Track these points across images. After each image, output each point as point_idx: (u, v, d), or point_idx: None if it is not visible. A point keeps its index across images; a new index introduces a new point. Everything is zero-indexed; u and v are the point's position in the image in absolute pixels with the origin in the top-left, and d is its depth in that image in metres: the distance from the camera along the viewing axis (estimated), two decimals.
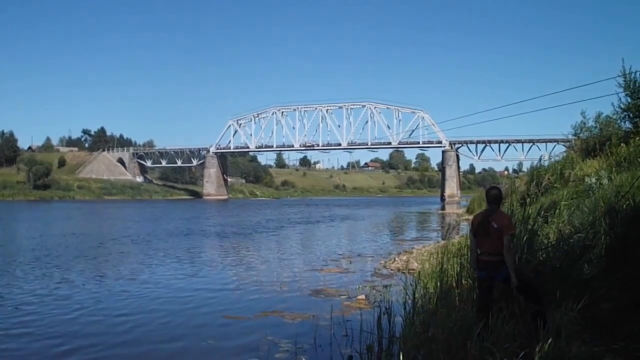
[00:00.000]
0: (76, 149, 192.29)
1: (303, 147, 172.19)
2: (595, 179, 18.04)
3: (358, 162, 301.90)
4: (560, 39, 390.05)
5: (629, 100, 21.87)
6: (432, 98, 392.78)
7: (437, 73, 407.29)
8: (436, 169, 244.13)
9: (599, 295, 8.45)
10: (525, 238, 10.41)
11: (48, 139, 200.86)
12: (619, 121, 23.99)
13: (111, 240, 34.32)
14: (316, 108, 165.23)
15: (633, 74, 21.42)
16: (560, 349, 6.80)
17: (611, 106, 23.46)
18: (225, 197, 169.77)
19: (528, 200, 21.46)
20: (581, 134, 28.56)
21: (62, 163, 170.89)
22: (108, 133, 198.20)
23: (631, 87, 21.49)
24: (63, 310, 15.16)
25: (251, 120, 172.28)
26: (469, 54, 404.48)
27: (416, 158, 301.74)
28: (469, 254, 9.83)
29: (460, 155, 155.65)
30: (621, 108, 22.34)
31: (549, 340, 6.84)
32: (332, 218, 64.45)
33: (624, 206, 11.73)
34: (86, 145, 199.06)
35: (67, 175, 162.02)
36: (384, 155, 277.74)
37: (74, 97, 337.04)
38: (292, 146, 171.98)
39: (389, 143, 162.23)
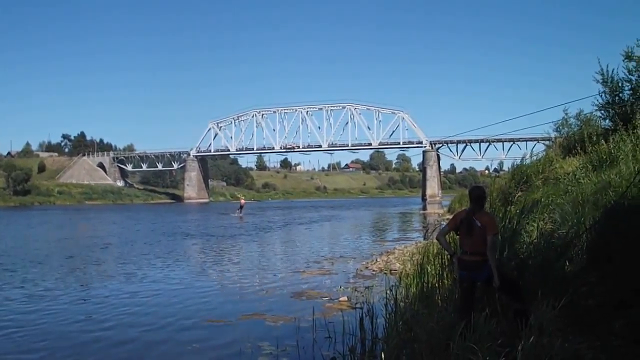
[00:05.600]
0: (56, 154, 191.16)
1: (283, 149, 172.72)
2: (576, 177, 18.10)
3: (339, 164, 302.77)
4: (544, 34, 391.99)
5: (608, 97, 21.98)
6: (413, 98, 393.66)
7: (417, 72, 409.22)
8: (417, 169, 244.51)
9: (581, 293, 8.46)
10: (507, 237, 10.42)
11: (27, 144, 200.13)
12: (598, 119, 24.13)
13: (92, 246, 33.99)
14: (296, 110, 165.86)
15: (611, 72, 21.56)
16: (542, 346, 6.80)
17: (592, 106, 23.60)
18: (207, 200, 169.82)
19: (509, 199, 21.55)
20: (562, 131, 28.70)
21: (42, 168, 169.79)
22: (88, 137, 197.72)
23: (609, 84, 21.62)
24: (42, 316, 15.01)
25: (231, 122, 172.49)
26: (449, 53, 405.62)
27: (397, 158, 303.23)
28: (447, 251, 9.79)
29: (441, 155, 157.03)
30: (601, 105, 22.44)
31: (531, 338, 6.84)
32: (314, 220, 64.35)
33: (605, 203, 11.77)
34: (66, 150, 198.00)
35: (47, 181, 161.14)
36: (364, 156, 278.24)
37: (53, 101, 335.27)
38: (273, 148, 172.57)
39: (370, 144, 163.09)
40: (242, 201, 74.35)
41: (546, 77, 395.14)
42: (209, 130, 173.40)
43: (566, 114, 28.13)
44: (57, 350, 11.78)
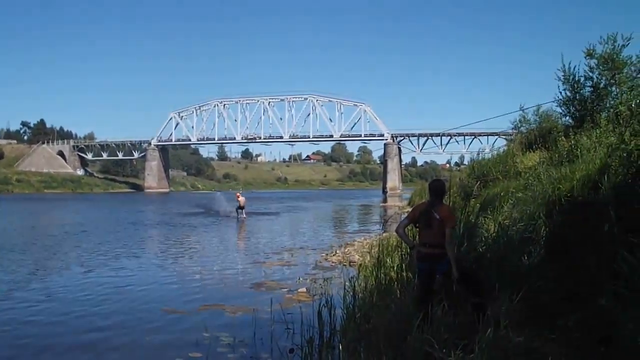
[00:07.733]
0: (15, 141, 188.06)
1: (245, 139, 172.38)
2: (536, 172, 18.23)
3: (300, 155, 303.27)
4: (513, 23, 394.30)
5: (569, 95, 22.11)
6: (374, 90, 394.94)
7: (380, 65, 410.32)
8: (378, 162, 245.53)
9: (538, 286, 8.52)
10: (465, 230, 10.47)
11: None
12: (559, 115, 24.29)
13: (53, 236, 33.59)
14: (258, 100, 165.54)
15: (573, 69, 21.72)
16: (499, 339, 6.84)
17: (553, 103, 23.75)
18: (167, 190, 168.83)
19: (470, 192, 21.66)
20: (521, 128, 28.95)
21: (0, 156, 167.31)
22: (48, 125, 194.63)
23: (570, 81, 21.77)
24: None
25: (193, 112, 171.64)
26: (412, 45, 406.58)
27: (358, 151, 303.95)
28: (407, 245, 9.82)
29: (402, 148, 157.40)
30: (561, 101, 22.59)
31: (488, 331, 6.87)
32: (275, 211, 64.17)
33: (562, 199, 11.87)
34: (25, 137, 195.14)
35: (6, 169, 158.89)
36: (325, 148, 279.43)
37: (13, 88, 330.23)
38: (234, 139, 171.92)
39: (331, 136, 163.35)
40: (241, 199, 50.22)
41: (512, 69, 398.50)
42: (170, 120, 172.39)
43: (523, 111, 28.39)
44: (9, 339, 11.63)
